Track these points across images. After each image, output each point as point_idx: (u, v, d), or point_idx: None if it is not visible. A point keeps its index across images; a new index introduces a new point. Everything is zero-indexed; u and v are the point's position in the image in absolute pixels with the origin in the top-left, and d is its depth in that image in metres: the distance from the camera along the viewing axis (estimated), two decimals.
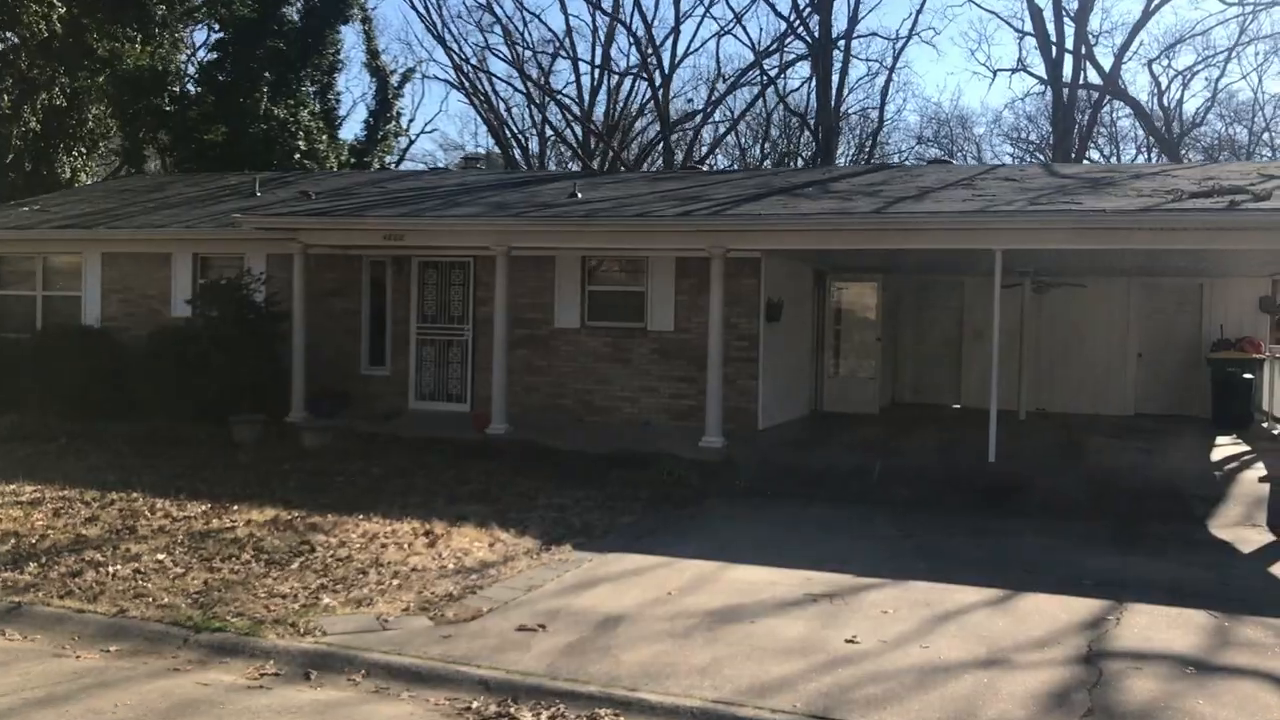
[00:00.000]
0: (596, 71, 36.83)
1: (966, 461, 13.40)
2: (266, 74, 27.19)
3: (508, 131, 41.45)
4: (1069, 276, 18.78)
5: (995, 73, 33.68)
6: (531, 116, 39.75)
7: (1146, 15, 28.95)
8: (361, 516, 10.08)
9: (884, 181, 16.76)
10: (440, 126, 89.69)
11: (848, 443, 14.80)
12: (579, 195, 16.00)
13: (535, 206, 15.90)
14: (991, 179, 16.55)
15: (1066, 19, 27.99)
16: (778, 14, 30.83)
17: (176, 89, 27.78)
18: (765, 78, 32.11)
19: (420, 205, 16.74)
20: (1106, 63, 29.70)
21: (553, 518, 10.41)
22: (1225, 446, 14.90)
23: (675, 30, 35.28)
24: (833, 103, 28.36)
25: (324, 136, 27.91)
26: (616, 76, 37.42)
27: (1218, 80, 32.41)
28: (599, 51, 36.17)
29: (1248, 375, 17.28)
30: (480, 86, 38.51)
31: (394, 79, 35.14)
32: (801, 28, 29.25)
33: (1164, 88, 32.57)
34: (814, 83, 29.39)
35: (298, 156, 26.69)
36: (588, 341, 16.23)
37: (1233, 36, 32.37)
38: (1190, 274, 18.80)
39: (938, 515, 11.34)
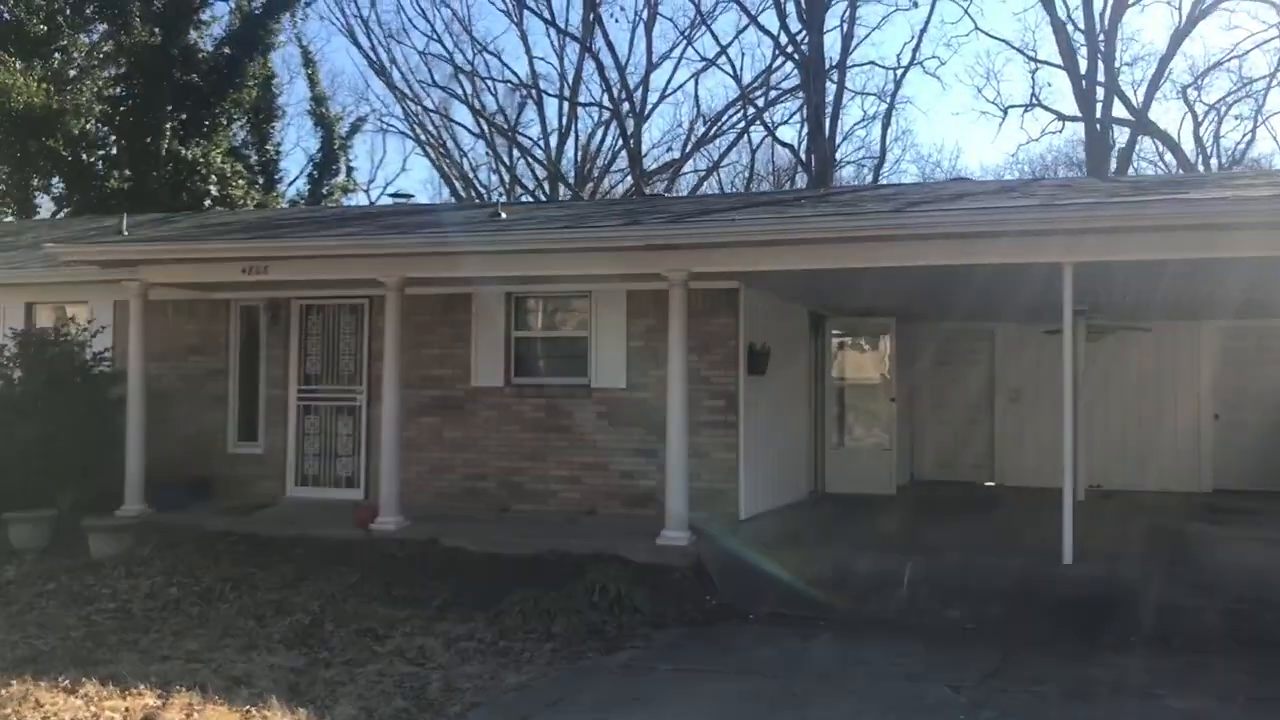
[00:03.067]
0: (564, 120, 33.45)
1: (1032, 563, 9.46)
2: (175, 111, 23.55)
3: (474, 191, 38.05)
4: (1130, 317, 14.97)
5: (1006, 110, 29.70)
6: (499, 172, 36.32)
7: (1176, 43, 25.63)
8: (68, 681, 6.10)
9: (897, 194, 13.01)
10: (406, 187, 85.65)
11: (863, 536, 10.87)
12: (502, 215, 12.24)
13: (439, 226, 12.15)
14: (1040, 187, 12.84)
15: (1097, 51, 24.59)
16: (764, 31, 27.26)
17: (76, 130, 24.04)
18: (753, 109, 28.59)
19: (291, 229, 12.97)
20: (1133, 97, 26.42)
21: (398, 676, 6.43)
22: None
23: (647, 75, 31.89)
24: (827, 133, 24.91)
25: (241, 181, 24.19)
26: (589, 124, 34.11)
27: (1258, 113, 29.08)
28: (566, 100, 32.79)
29: None
30: (439, 138, 35.13)
31: (341, 127, 31.66)
32: (792, 48, 25.72)
33: (1200, 119, 29.28)
34: (805, 113, 25.87)
35: (208, 203, 22.99)
36: (515, 405, 12.35)
37: (1272, 64, 29.14)
38: (1273, 313, 14.99)
39: (1011, 653, 7.38)
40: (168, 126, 23.08)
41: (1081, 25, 24.77)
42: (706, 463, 11.40)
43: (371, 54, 32.27)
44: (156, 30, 23.08)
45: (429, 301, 12.32)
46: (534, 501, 12.10)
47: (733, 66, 29.79)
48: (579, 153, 33.77)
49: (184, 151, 23.30)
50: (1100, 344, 15.12)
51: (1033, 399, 16.17)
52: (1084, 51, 24.79)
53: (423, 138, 34.80)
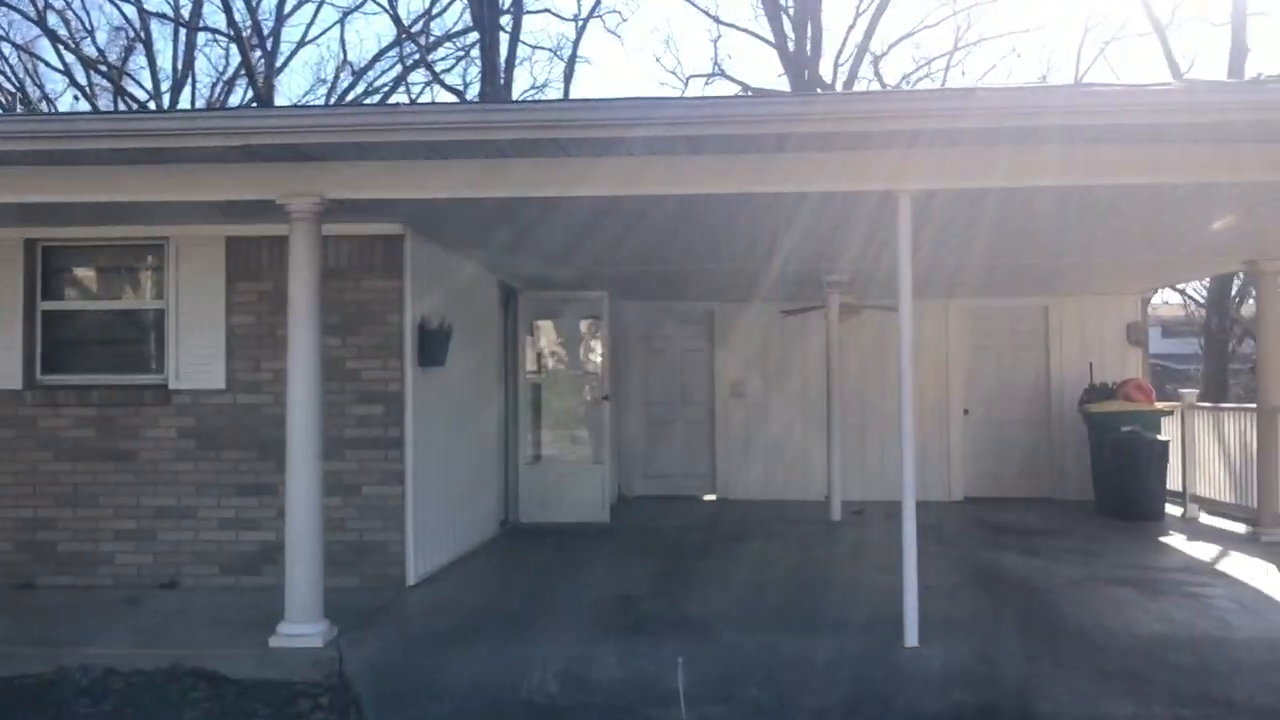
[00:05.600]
0: (180, 68, 27.68)
1: (858, 646, 6.22)
2: None
3: None
4: (876, 294, 12.36)
5: (688, 80, 27.14)
6: None
7: (878, 15, 23.83)
8: None
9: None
10: None
11: (593, 606, 7.26)
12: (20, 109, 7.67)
13: None
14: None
15: (805, 18, 22.25)
16: None
17: None
18: (415, 54, 24.19)
19: None
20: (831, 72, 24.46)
21: None
22: (1241, 560, 8.65)
23: (281, 16, 26.85)
24: (502, 81, 21.15)
25: None
26: (212, 77, 28.60)
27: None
28: (184, 28, 27.03)
29: (1162, 438, 11.41)
30: (19, 89, 28.27)
31: None
32: None
33: None
34: (478, 59, 21.99)
35: None
36: (46, 419, 7.84)
37: (947, 43, 28.33)
38: (1033, 289, 12.89)
39: None
40: None
41: None
42: (356, 502, 7.52)
43: None
44: None
45: None
46: (77, 571, 7.70)
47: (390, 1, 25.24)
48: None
49: None
50: (845, 325, 12.38)
51: (761, 395, 13.34)
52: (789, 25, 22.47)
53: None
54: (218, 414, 7.66)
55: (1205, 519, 11.02)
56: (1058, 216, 7.61)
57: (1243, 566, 8.28)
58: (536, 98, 25.50)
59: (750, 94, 21.26)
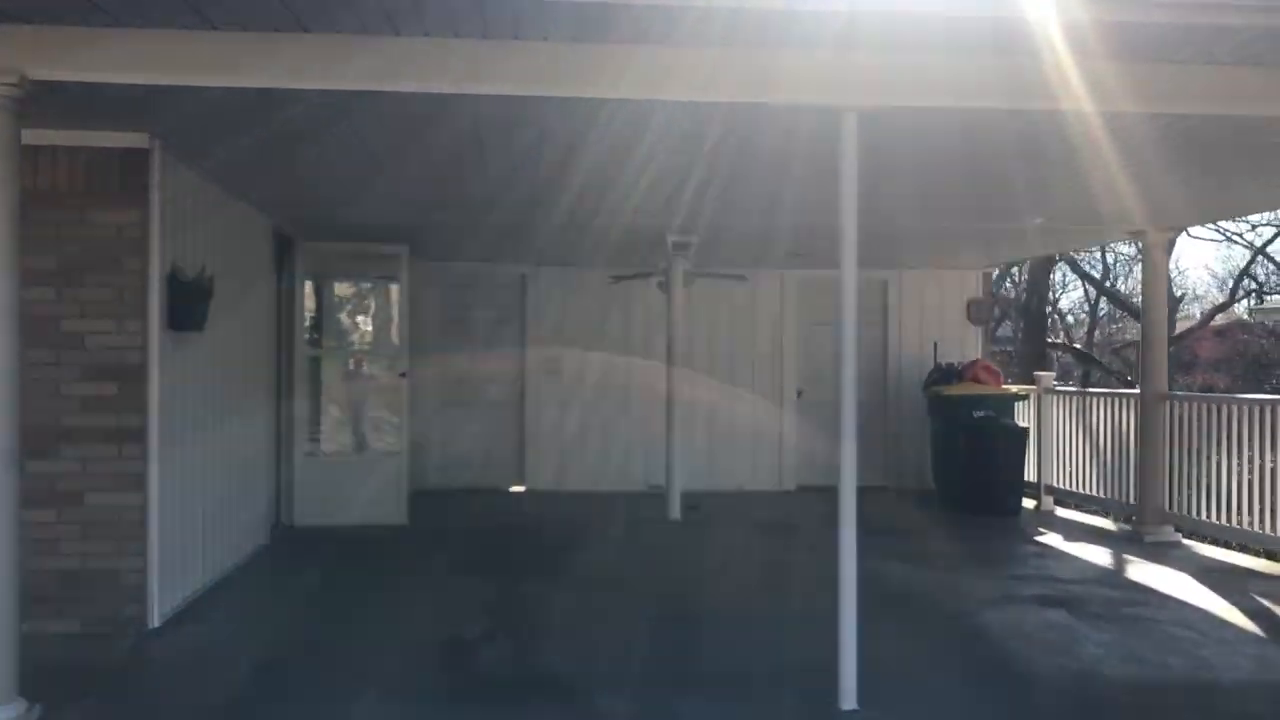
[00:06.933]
0: None
1: (781, 712, 4.72)
2: None
3: None
4: (716, 258, 10.97)
5: None
6: None
7: None
8: None
9: None
10: None
11: (404, 650, 5.41)
12: None
13: None
14: None
15: None
16: None
17: None
18: None
19: None
20: None
21: None
22: (1148, 569, 7.66)
23: None
24: None
25: None
26: None
27: None
28: None
29: (1022, 424, 10.52)
30: None
31: None
32: None
33: None
34: None
35: None
36: None
37: None
38: (872, 260, 11.77)
39: None
40: None
41: None
42: (76, 515, 5.45)
43: None
44: None
45: None
46: None
47: None
48: None
49: None
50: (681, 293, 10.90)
51: (578, 373, 11.75)
52: None
53: None
54: None
55: (1061, 513, 10.23)
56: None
57: (1157, 576, 7.29)
58: None
59: None
